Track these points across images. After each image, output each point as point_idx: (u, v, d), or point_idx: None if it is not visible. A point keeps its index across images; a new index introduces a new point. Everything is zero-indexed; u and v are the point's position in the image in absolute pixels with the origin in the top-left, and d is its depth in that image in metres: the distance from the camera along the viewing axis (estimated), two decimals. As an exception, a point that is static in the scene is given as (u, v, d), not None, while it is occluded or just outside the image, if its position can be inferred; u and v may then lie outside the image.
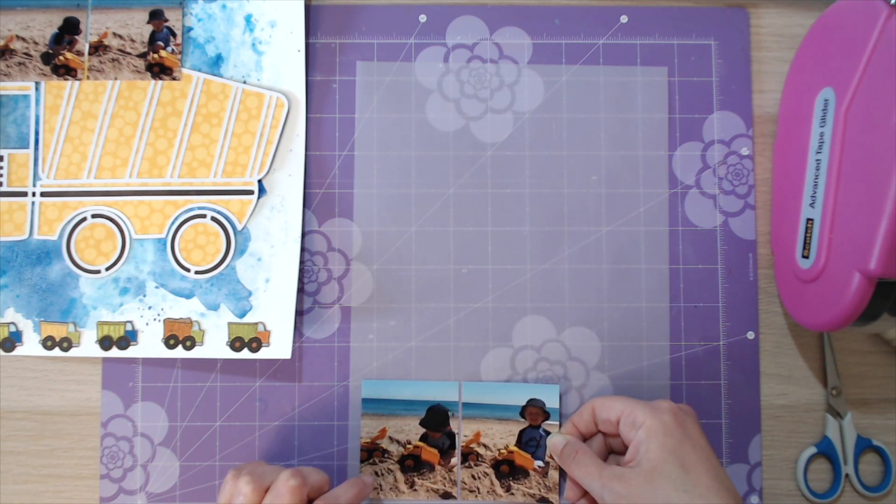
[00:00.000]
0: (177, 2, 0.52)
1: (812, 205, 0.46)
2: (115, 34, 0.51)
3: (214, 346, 0.50)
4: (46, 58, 0.51)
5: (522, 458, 0.50)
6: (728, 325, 0.52)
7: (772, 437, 0.52)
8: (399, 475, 0.51)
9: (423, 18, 0.53)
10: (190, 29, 0.51)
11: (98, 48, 0.51)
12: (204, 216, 0.51)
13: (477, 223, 0.52)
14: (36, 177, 0.51)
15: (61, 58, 0.51)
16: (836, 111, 0.45)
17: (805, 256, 0.47)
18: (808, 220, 0.47)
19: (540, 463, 0.50)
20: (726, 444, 0.51)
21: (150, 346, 0.50)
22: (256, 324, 0.50)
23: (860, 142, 0.43)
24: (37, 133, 0.51)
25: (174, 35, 0.51)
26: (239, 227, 0.51)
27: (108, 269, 0.51)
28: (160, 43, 0.51)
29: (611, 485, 0.42)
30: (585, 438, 0.48)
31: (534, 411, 0.51)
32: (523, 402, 0.51)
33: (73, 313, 0.50)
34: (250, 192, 0.51)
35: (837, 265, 0.44)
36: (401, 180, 0.52)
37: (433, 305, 0.51)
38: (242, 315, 0.50)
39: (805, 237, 0.47)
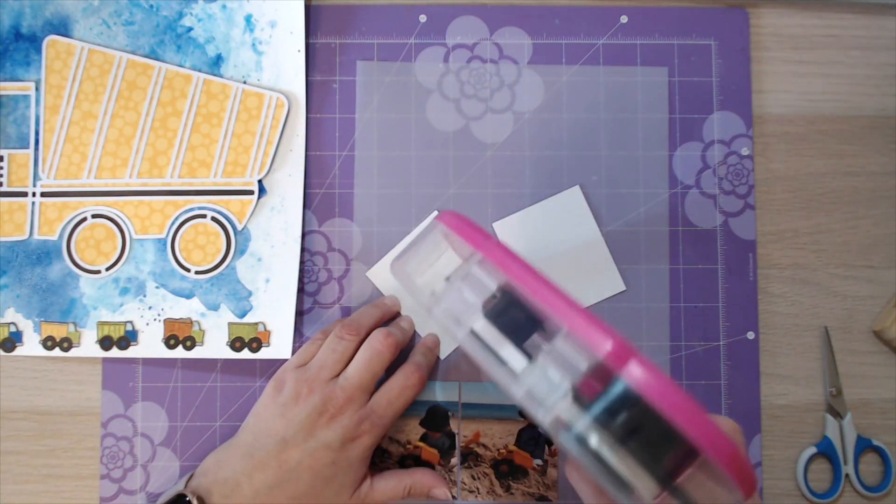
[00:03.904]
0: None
1: None
2: None
3: (214, 346, 0.50)
4: None
5: (521, 457, 0.50)
6: (728, 325, 0.52)
7: (772, 437, 0.52)
8: (399, 475, 0.51)
9: (423, 18, 0.53)
10: (190, 29, 0.51)
11: None
12: (204, 216, 0.51)
13: (477, 223, 0.52)
14: (36, 177, 0.51)
15: None
16: None
17: None
18: None
19: (539, 461, 0.50)
20: (726, 444, 0.51)
21: (150, 346, 0.50)
22: (256, 324, 0.50)
23: None
24: (37, 133, 0.51)
25: None
26: (239, 227, 0.51)
27: (108, 269, 0.51)
28: None
29: None
30: None
31: (534, 411, 0.51)
32: (523, 402, 0.51)
33: (74, 313, 0.50)
34: (250, 193, 0.51)
35: None
36: (401, 180, 0.52)
37: (433, 305, 0.51)
38: (242, 315, 0.50)
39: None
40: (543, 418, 0.32)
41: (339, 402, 0.45)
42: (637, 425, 0.31)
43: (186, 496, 0.43)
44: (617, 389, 0.31)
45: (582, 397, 0.31)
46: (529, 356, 0.34)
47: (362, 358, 0.46)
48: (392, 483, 0.48)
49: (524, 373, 0.33)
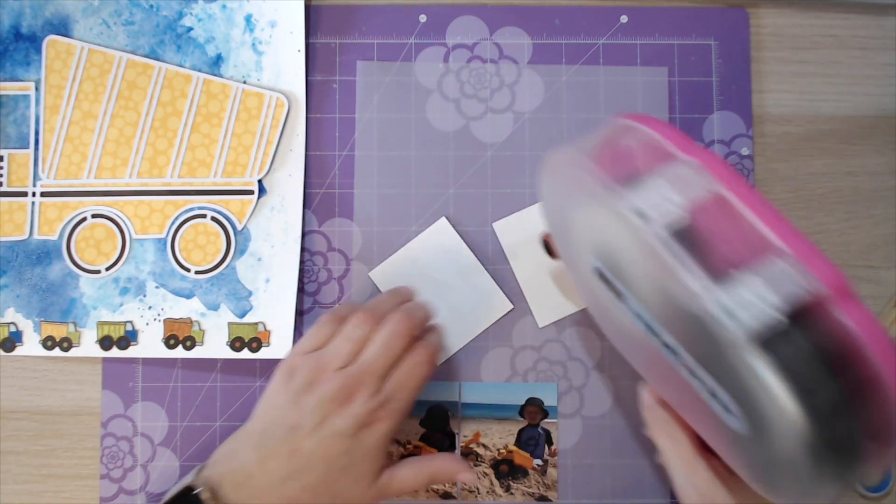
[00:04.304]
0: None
1: None
2: None
3: (214, 346, 0.50)
4: None
5: (521, 457, 0.50)
6: (728, 325, 0.51)
7: (772, 437, 0.52)
8: (399, 475, 0.51)
9: (423, 18, 0.53)
10: (190, 29, 0.51)
11: None
12: (204, 216, 0.51)
13: (477, 223, 0.52)
14: (36, 177, 0.51)
15: None
16: None
17: None
18: None
19: (539, 461, 0.50)
20: (726, 444, 0.51)
21: (150, 346, 0.50)
22: (256, 324, 0.50)
23: None
24: (37, 133, 0.51)
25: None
26: (239, 227, 0.51)
27: (108, 269, 0.51)
28: None
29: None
30: None
31: (532, 410, 0.51)
32: (522, 402, 0.51)
33: (74, 313, 0.50)
34: (250, 192, 0.51)
35: None
36: (401, 180, 0.52)
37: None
38: (242, 315, 0.50)
39: None
40: (734, 330, 0.30)
41: (350, 388, 0.43)
42: (837, 366, 0.30)
43: (195, 487, 0.42)
44: (829, 324, 0.30)
45: (783, 323, 0.30)
46: (718, 275, 0.32)
47: (376, 344, 0.45)
48: (413, 472, 0.46)
49: (718, 287, 0.31)
